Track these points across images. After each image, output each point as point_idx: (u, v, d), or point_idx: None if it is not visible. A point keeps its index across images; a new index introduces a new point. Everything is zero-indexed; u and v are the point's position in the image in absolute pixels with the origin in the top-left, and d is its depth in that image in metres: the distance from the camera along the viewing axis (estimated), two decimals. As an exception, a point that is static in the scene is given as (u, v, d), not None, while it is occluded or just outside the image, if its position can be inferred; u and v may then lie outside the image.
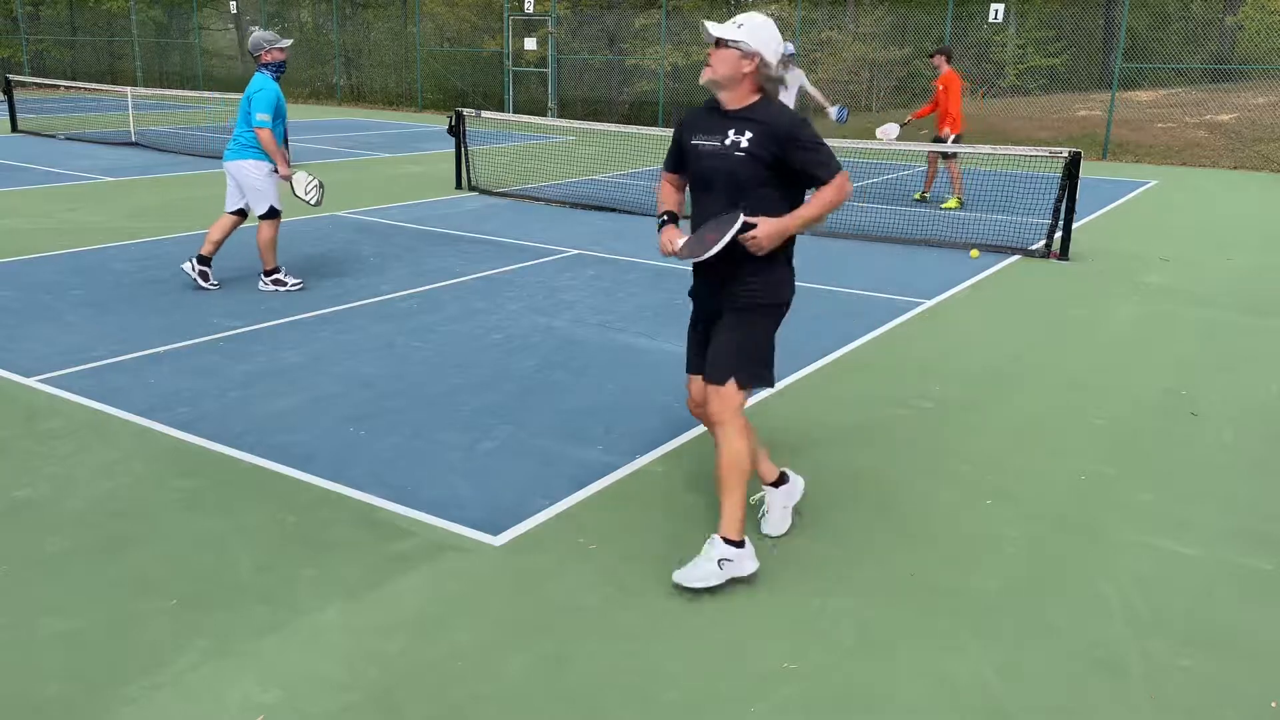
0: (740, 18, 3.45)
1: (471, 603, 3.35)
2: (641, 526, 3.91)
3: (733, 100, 3.47)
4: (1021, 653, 3.15)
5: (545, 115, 23.24)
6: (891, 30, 23.41)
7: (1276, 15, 19.70)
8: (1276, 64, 19.07)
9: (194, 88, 29.09)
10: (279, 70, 7.39)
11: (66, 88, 25.48)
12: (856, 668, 3.06)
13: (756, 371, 3.55)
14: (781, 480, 3.92)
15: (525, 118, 14.91)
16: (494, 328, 6.54)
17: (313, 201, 7.59)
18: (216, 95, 18.82)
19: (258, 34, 7.34)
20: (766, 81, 3.46)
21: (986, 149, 10.29)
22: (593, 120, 19.05)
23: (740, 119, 3.44)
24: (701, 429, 4.89)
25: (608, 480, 4.29)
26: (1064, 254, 9.14)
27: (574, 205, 11.67)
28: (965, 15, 20.45)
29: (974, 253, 8.55)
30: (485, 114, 13.56)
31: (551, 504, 4.05)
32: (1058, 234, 9.27)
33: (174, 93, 19.54)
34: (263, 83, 7.31)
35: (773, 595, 3.45)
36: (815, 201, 3.43)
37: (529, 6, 24.11)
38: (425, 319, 6.70)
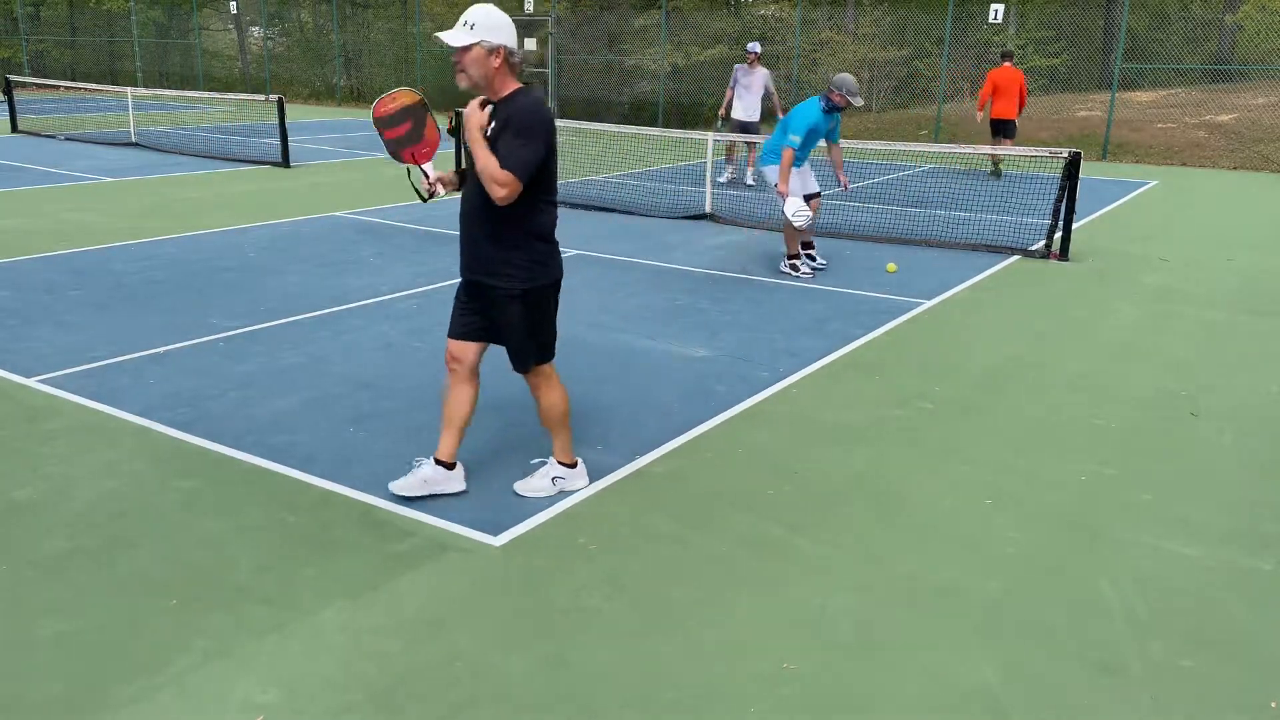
0: (469, 16, 3.58)
1: (471, 603, 3.35)
2: (641, 526, 3.91)
3: (493, 94, 3.68)
4: (1021, 653, 3.16)
5: (545, 115, 23.19)
6: (891, 30, 23.41)
7: (1276, 15, 19.69)
8: (1276, 64, 19.08)
9: (194, 88, 29.09)
10: (832, 108, 8.01)
11: (66, 88, 25.49)
12: (856, 668, 3.06)
13: (543, 355, 3.98)
14: (449, 466, 4.11)
15: (525, 118, 14.88)
16: (494, 328, 6.53)
17: (799, 225, 7.98)
18: (216, 95, 18.79)
19: (845, 77, 7.91)
20: (514, 68, 3.66)
21: (986, 149, 10.30)
22: (593, 120, 19.06)
23: (499, 106, 3.66)
24: (701, 429, 4.89)
25: (608, 480, 4.30)
26: (1064, 254, 9.14)
27: (574, 205, 11.67)
28: (965, 15, 20.45)
29: (890, 266, 8.40)
30: (485, 114, 13.53)
31: (551, 504, 4.05)
32: (1058, 234, 9.27)
33: (174, 93, 19.54)
34: (808, 109, 7.94)
35: (773, 595, 3.45)
36: (485, 158, 3.55)
37: (529, 7, 24.12)
38: (425, 319, 6.70)
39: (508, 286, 3.77)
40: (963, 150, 10.75)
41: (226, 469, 4.33)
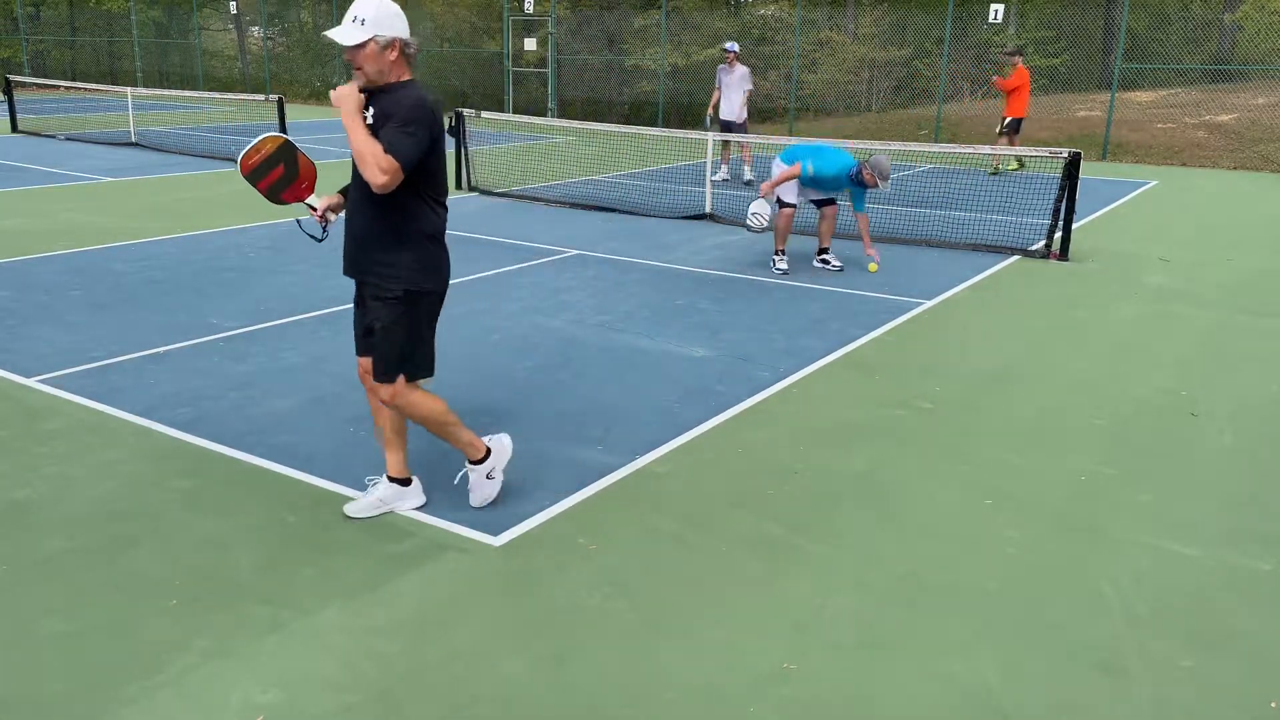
0: (358, 10, 3.46)
1: (471, 603, 3.35)
2: (641, 526, 3.91)
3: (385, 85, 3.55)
4: (1021, 653, 3.15)
5: (545, 115, 23.24)
6: (891, 30, 23.41)
7: (1276, 15, 19.69)
8: (1276, 64, 19.07)
9: (194, 88, 29.08)
10: (860, 182, 8.07)
11: (66, 88, 25.49)
12: (856, 668, 3.06)
13: (412, 369, 3.73)
14: (404, 482, 3.98)
15: (525, 118, 14.93)
16: (494, 328, 6.54)
17: (750, 225, 8.20)
18: (216, 95, 18.78)
19: (882, 160, 7.97)
20: (410, 59, 3.57)
21: (986, 149, 10.29)
22: (593, 120, 19.05)
23: (383, 94, 3.53)
24: (700, 430, 4.89)
25: (608, 480, 4.29)
26: (1064, 254, 9.14)
27: (574, 205, 11.67)
28: (965, 15, 20.45)
29: (872, 267, 8.38)
30: (485, 114, 13.57)
31: (551, 504, 4.05)
32: (1058, 234, 9.26)
33: (174, 93, 19.55)
34: (836, 161, 8.11)
35: (773, 595, 3.45)
36: (365, 142, 3.38)
37: (529, 6, 24.12)
38: (425, 319, 6.69)
39: (391, 285, 3.61)
40: (963, 150, 10.74)
41: (226, 469, 4.33)
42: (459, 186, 12.56)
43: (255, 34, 32.82)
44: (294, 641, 3.11)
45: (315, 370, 5.61)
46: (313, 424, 4.85)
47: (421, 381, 3.83)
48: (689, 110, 22.93)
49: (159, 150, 15.84)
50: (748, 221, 8.20)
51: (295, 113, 22.50)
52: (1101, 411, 5.31)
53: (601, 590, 3.45)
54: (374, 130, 3.44)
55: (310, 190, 3.94)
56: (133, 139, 16.63)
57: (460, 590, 3.42)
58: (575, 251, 9.07)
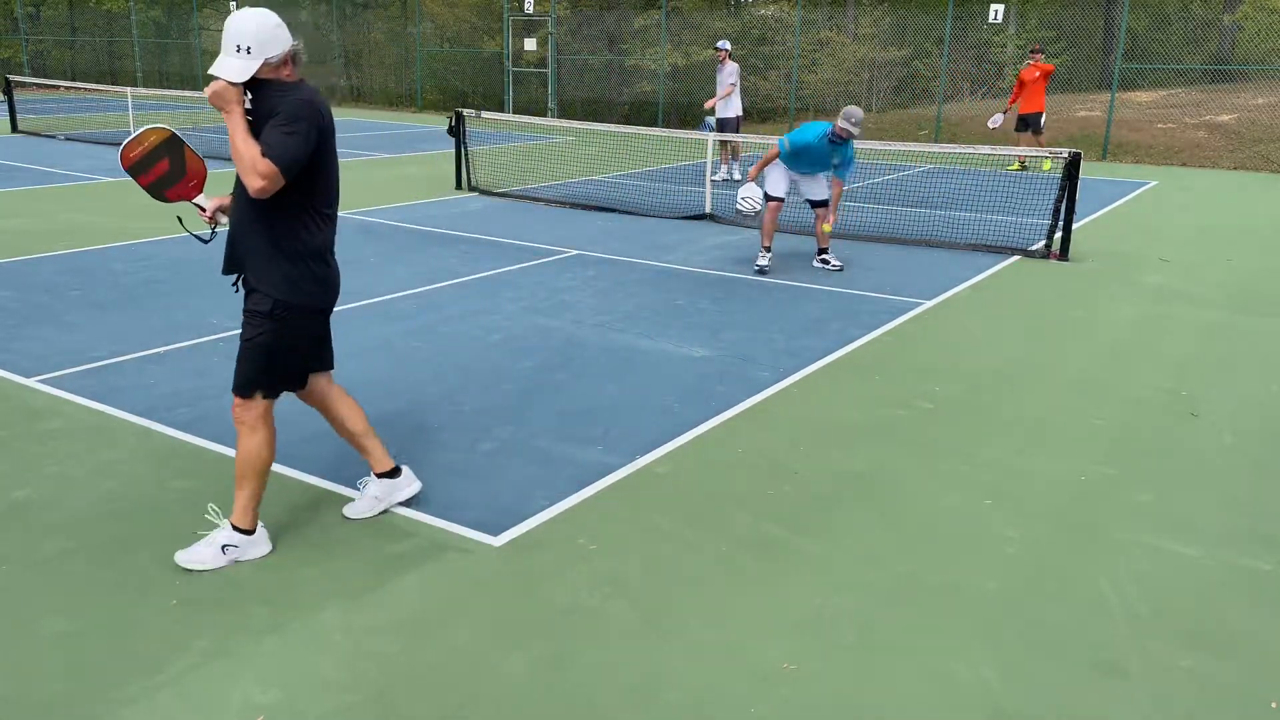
0: (238, 38, 3.22)
1: (471, 603, 3.35)
2: (641, 526, 3.91)
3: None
4: (1022, 653, 3.15)
5: (545, 115, 23.24)
6: (891, 30, 23.41)
7: (1276, 15, 19.69)
8: (1276, 64, 19.07)
9: (194, 88, 29.03)
10: (836, 138, 8.03)
11: (66, 88, 25.48)
12: (856, 668, 3.06)
13: (272, 387, 3.54)
14: (393, 474, 3.90)
15: (525, 118, 14.92)
16: (494, 328, 6.54)
17: (740, 209, 8.34)
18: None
19: (850, 108, 7.96)
20: (300, 64, 3.38)
21: (986, 149, 10.30)
22: (593, 120, 19.05)
23: (268, 93, 3.31)
24: (700, 430, 4.89)
25: (608, 480, 4.29)
26: (1064, 254, 9.14)
27: (574, 205, 11.67)
28: (965, 15, 20.45)
29: (825, 227, 8.32)
30: (485, 114, 13.57)
31: (551, 504, 4.05)
32: (1058, 234, 9.27)
33: (174, 93, 19.53)
34: (808, 132, 8.10)
35: (773, 595, 3.45)
36: (242, 142, 3.20)
37: (529, 7, 24.11)
38: (425, 319, 6.70)
39: (260, 300, 3.40)
40: (962, 150, 10.74)
41: (226, 469, 4.32)
42: (459, 187, 12.57)
43: (255, 34, 32.75)
44: (294, 641, 3.11)
45: (315, 370, 5.60)
46: (313, 424, 4.84)
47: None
48: (689, 110, 22.93)
49: (159, 150, 15.82)
50: (738, 206, 8.32)
51: (295, 113, 22.49)
52: (1101, 411, 5.31)
53: (601, 590, 3.45)
54: (257, 129, 3.25)
55: (199, 190, 3.69)
56: (133, 139, 16.61)
57: (460, 590, 3.42)
58: (575, 251, 9.07)
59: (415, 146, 17.96)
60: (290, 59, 3.33)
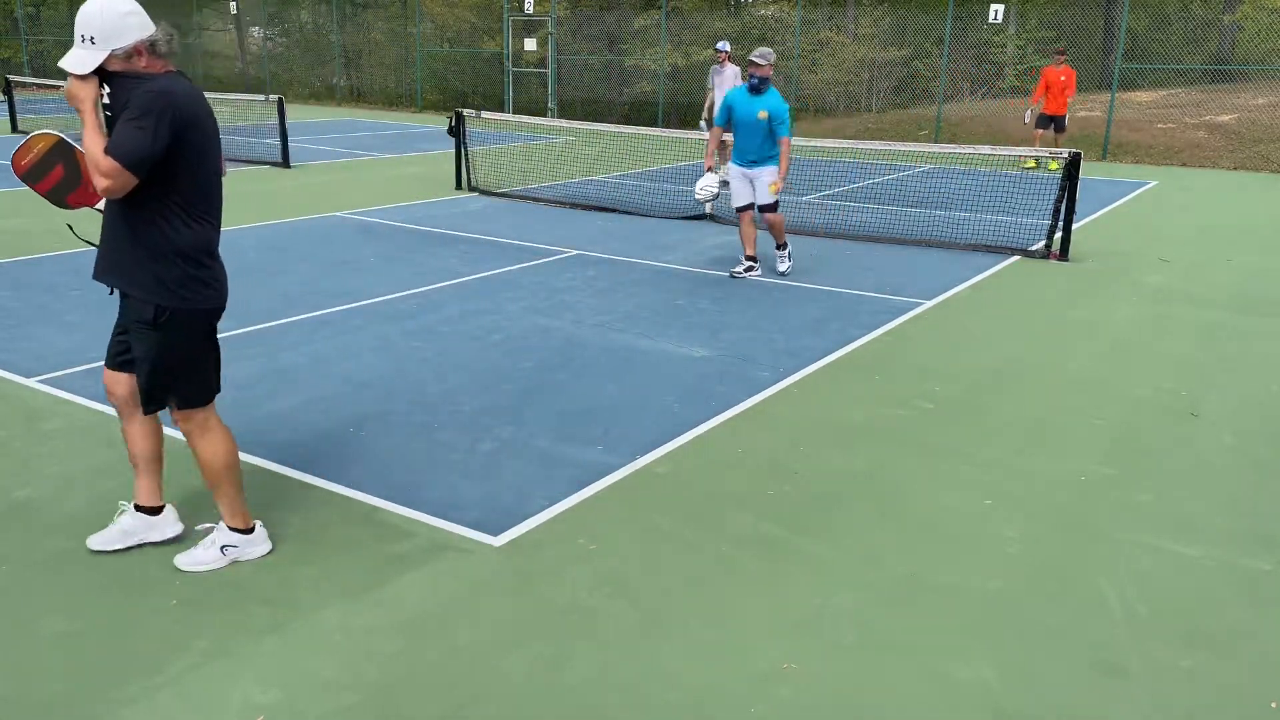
0: (83, 28, 3.06)
1: (471, 603, 3.35)
2: (641, 526, 3.91)
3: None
4: (1021, 653, 3.15)
5: (545, 115, 23.24)
6: (891, 30, 23.42)
7: (1276, 15, 19.69)
8: (1276, 64, 19.07)
9: (194, 88, 29.03)
10: (756, 90, 7.94)
11: (66, 88, 25.41)
12: (856, 668, 3.06)
13: (189, 397, 3.39)
14: (154, 511, 3.64)
15: (525, 118, 14.92)
16: (494, 328, 6.54)
17: (698, 197, 8.65)
18: (216, 95, 18.76)
19: (758, 49, 7.94)
20: (164, 55, 3.19)
21: (987, 149, 10.30)
22: (592, 121, 19.05)
23: (125, 86, 3.15)
24: (700, 430, 4.89)
25: (608, 480, 4.29)
26: (1064, 254, 9.14)
27: (574, 206, 11.67)
28: (965, 15, 20.45)
29: (773, 187, 7.90)
30: (485, 114, 13.57)
31: (551, 504, 4.05)
32: (1058, 234, 9.27)
33: (174, 93, 19.47)
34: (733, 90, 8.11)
35: (773, 595, 3.45)
36: (90, 140, 3.04)
37: (529, 7, 24.12)
38: (425, 319, 6.70)
39: (140, 308, 3.22)
40: (962, 150, 10.74)
41: (226, 469, 4.32)
42: (459, 187, 12.57)
43: (255, 34, 32.83)
44: (294, 641, 3.11)
45: (315, 370, 5.61)
46: (313, 424, 4.85)
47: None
48: (689, 110, 22.93)
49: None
50: (696, 195, 8.60)
51: (295, 113, 22.52)
52: (1101, 411, 5.31)
53: (601, 590, 3.45)
54: (111, 124, 3.08)
55: (100, 196, 3.40)
56: (133, 139, 16.61)
57: (460, 590, 3.42)
58: (575, 251, 9.07)
59: (415, 146, 17.96)
60: (146, 48, 3.12)
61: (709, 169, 8.43)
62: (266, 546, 3.61)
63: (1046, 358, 6.25)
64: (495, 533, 3.80)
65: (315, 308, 6.89)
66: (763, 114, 7.80)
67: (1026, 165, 15.60)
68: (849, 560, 3.71)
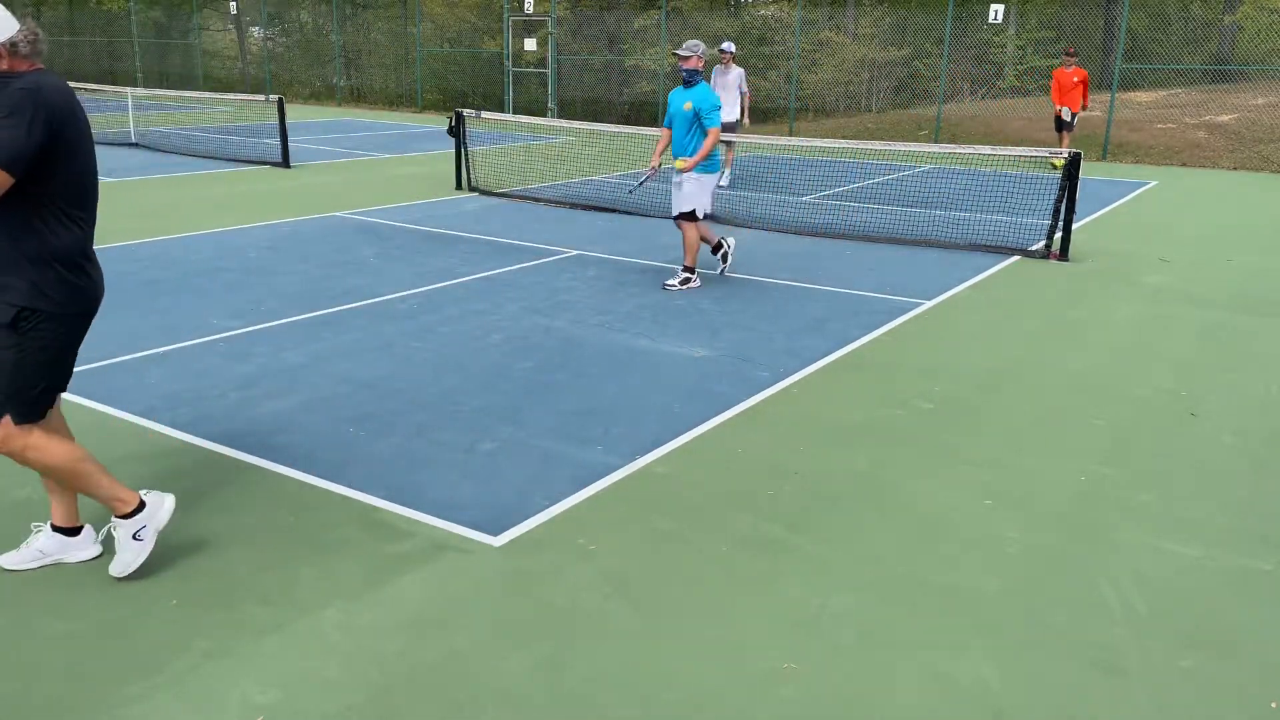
0: None
1: (471, 603, 3.35)
2: (641, 526, 3.91)
3: None
4: (1021, 653, 3.15)
5: (545, 116, 23.24)
6: (891, 30, 23.42)
7: (1276, 15, 19.69)
8: (1276, 64, 19.07)
9: (194, 88, 29.08)
10: (689, 82, 7.94)
11: (66, 88, 25.39)
12: (856, 668, 3.06)
13: (22, 409, 3.17)
14: (71, 532, 3.54)
15: (525, 118, 14.92)
16: (494, 328, 6.54)
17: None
18: (216, 96, 18.78)
19: (697, 42, 7.97)
20: (27, 56, 3.08)
21: (987, 149, 10.30)
22: (592, 121, 19.05)
23: None
24: (700, 430, 4.89)
25: (608, 480, 4.29)
26: (1064, 254, 9.14)
27: (574, 205, 11.67)
28: (965, 15, 20.45)
29: (679, 163, 7.78)
30: (485, 114, 13.57)
31: (551, 504, 4.05)
32: (1058, 234, 9.27)
33: (174, 93, 19.54)
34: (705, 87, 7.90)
35: (773, 595, 3.45)
36: None
37: (529, 7, 24.12)
38: (425, 319, 6.70)
39: (3, 300, 3.07)
40: (962, 150, 10.74)
41: (226, 469, 4.33)
42: (459, 187, 12.57)
43: (255, 34, 32.83)
44: (294, 641, 3.11)
45: (315, 370, 5.61)
46: (313, 424, 4.85)
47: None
48: (689, 110, 22.89)
49: (159, 151, 15.84)
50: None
51: (295, 113, 22.52)
52: (1101, 411, 5.31)
53: (601, 590, 3.45)
54: None
55: None
56: (133, 139, 16.63)
57: (460, 590, 3.42)
58: (575, 251, 9.07)
59: (415, 146, 17.96)
60: (7, 50, 3.02)
61: (653, 168, 8.30)
62: (172, 501, 3.52)
63: (1046, 357, 6.25)
64: (495, 533, 3.80)
65: (315, 308, 6.89)
66: (688, 105, 7.76)
67: (1056, 166, 15.60)
68: (849, 560, 3.71)
